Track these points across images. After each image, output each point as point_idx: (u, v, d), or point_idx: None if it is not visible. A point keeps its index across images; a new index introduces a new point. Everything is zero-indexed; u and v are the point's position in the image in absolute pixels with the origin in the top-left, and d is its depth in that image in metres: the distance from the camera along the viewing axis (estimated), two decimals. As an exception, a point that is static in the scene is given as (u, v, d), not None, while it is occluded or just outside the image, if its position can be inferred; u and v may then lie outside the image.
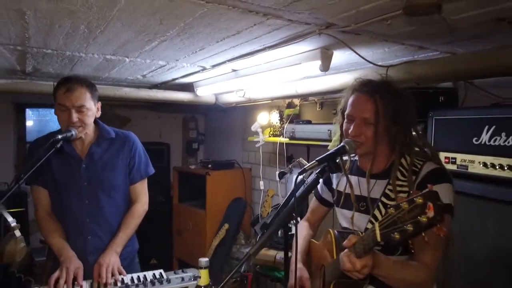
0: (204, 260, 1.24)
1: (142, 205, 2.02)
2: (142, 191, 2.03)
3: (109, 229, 1.89)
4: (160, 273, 1.86)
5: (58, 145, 1.73)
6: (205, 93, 2.85)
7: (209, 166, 3.86)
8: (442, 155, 1.78)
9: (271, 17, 1.29)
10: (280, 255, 2.86)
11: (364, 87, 1.39)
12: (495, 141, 1.60)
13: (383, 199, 1.36)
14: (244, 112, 4.16)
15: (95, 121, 1.92)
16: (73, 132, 1.76)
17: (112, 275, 1.74)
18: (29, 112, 4.50)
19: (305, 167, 1.35)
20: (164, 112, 5.01)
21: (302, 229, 1.69)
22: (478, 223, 1.67)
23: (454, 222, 1.25)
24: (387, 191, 1.36)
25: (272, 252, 2.96)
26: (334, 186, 1.60)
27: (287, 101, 3.44)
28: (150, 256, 4.27)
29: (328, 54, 1.74)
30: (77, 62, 2.13)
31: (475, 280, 1.68)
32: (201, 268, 1.25)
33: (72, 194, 1.83)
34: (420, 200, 0.93)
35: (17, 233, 1.31)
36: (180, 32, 1.48)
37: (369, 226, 1.37)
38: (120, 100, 2.99)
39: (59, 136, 1.69)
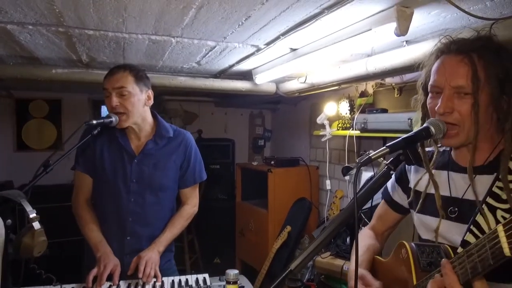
0: (232, 273, 0.97)
1: (191, 206, 1.89)
2: (193, 194, 1.90)
3: (150, 232, 1.75)
4: (204, 278, 1.66)
5: (95, 132, 1.63)
6: (264, 80, 2.58)
7: (272, 162, 3.59)
8: None
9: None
10: (347, 265, 2.47)
11: (454, 46, 1.00)
12: None
13: (490, 200, 0.95)
14: (311, 106, 3.82)
15: (154, 116, 1.80)
16: (113, 119, 1.64)
17: (149, 274, 1.58)
18: (104, 109, 4.71)
19: (370, 155, 0.99)
20: (230, 107, 4.89)
21: (364, 238, 1.32)
22: None
23: None
24: (495, 190, 0.94)
25: (339, 262, 2.58)
26: (412, 184, 1.20)
27: (360, 90, 3.02)
28: (214, 255, 4.15)
29: (407, 14, 1.34)
30: (125, 47, 2.02)
31: None
32: (228, 282, 0.97)
33: (119, 189, 1.71)
34: None
35: (36, 225, 1.17)
36: (215, -9, 1.22)
37: (469, 238, 0.96)
38: (176, 90, 2.87)
39: (94, 122, 1.57)
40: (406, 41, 1.82)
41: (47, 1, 1.32)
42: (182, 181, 1.83)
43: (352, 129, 2.66)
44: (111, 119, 1.63)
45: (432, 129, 0.99)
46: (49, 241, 1.20)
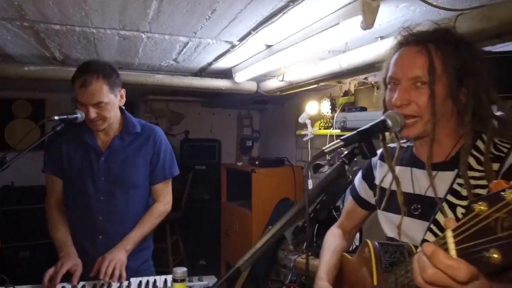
0: (180, 271, 0.93)
1: (164, 204, 1.81)
2: (165, 191, 1.82)
3: (123, 230, 1.68)
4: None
5: (58, 128, 1.58)
6: (244, 78, 2.55)
7: (257, 163, 3.55)
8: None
9: None
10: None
11: (412, 37, 0.98)
12: None
13: (450, 197, 0.92)
14: (296, 106, 3.79)
15: (121, 111, 1.74)
16: (78, 115, 1.58)
17: (113, 273, 1.51)
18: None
19: (323, 148, 0.96)
20: (217, 107, 4.85)
21: (331, 238, 1.29)
22: None
23: None
24: (455, 187, 0.92)
25: (319, 262, 2.54)
26: (377, 181, 1.17)
27: (344, 89, 3.00)
28: (199, 257, 4.10)
29: (373, 6, 1.31)
30: (96, 43, 1.98)
31: None
32: (175, 281, 0.93)
33: (88, 188, 1.66)
34: None
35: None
36: (173, -18, 1.19)
37: (429, 237, 0.93)
38: (161, 90, 2.83)
39: (56, 117, 1.52)
40: (381, 37, 1.80)
41: (2, -8, 1.29)
42: (152, 177, 1.76)
43: (333, 128, 2.63)
44: (76, 116, 1.57)
45: (389, 122, 0.95)
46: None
